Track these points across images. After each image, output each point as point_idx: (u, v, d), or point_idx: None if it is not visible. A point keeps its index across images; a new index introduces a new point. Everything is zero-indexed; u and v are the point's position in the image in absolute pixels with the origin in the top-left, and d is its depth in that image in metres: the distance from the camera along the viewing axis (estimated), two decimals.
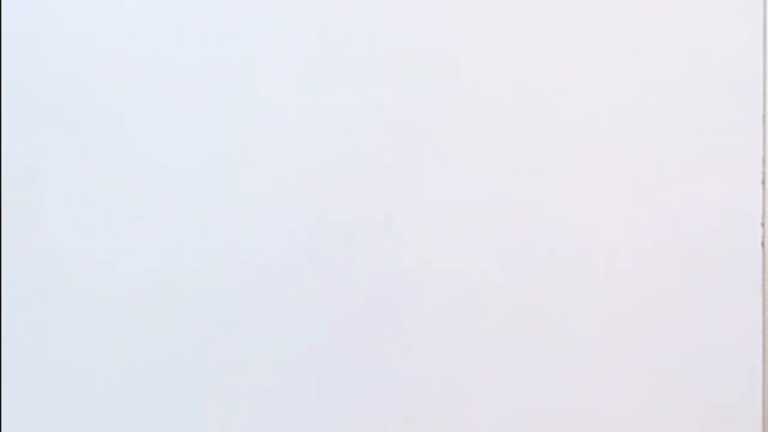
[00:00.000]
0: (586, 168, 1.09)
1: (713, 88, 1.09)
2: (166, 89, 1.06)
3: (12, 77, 1.05)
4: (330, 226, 1.07)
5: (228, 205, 1.06)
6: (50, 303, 1.05)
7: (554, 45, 1.09)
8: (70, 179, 1.05)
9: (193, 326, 1.06)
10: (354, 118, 1.07)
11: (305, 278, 1.07)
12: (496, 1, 1.09)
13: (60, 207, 1.05)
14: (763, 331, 1.09)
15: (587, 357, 1.09)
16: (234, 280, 1.06)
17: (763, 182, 1.09)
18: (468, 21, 1.08)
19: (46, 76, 1.06)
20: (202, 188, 1.06)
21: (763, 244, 1.09)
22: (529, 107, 1.08)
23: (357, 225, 1.07)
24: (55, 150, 1.05)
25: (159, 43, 1.06)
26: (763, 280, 1.09)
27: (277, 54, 1.07)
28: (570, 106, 1.09)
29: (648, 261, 1.09)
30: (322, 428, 1.07)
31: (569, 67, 1.09)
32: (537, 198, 1.08)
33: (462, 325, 1.08)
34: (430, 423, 1.08)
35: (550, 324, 1.08)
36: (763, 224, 1.09)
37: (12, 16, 1.05)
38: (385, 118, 1.08)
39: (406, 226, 1.07)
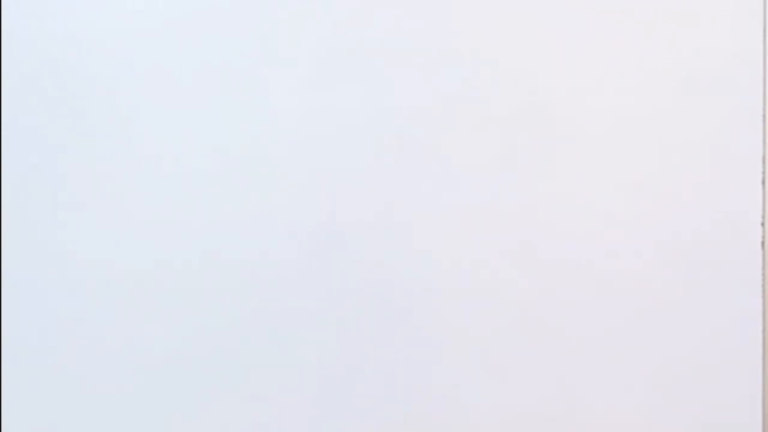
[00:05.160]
0: (587, 168, 1.09)
1: (713, 88, 1.09)
2: (169, 89, 1.06)
3: (13, 77, 1.05)
4: (332, 225, 1.07)
5: (232, 205, 1.06)
6: (50, 302, 1.05)
7: (555, 46, 1.09)
8: (71, 178, 1.05)
9: (194, 326, 1.06)
10: (357, 118, 1.07)
11: (308, 278, 1.07)
12: (500, 2, 1.09)
13: (61, 206, 1.05)
14: (763, 331, 1.09)
15: (588, 356, 1.09)
16: (237, 280, 1.06)
17: (763, 182, 1.09)
18: (471, 22, 1.08)
19: (47, 75, 1.06)
20: (206, 187, 1.06)
21: (763, 244, 1.09)
22: (531, 108, 1.09)
23: (359, 225, 1.07)
24: (56, 149, 1.05)
25: (163, 43, 1.06)
26: (763, 280, 1.09)
27: (282, 53, 1.07)
28: (571, 107, 1.09)
29: (648, 261, 1.09)
30: (322, 428, 1.07)
31: (570, 67, 1.09)
32: (538, 198, 1.08)
33: (464, 324, 1.08)
34: (430, 423, 1.08)
35: (550, 323, 1.08)
36: (763, 224, 1.09)
37: (13, 15, 1.05)
38: (388, 119, 1.08)
39: (409, 225, 1.07)
